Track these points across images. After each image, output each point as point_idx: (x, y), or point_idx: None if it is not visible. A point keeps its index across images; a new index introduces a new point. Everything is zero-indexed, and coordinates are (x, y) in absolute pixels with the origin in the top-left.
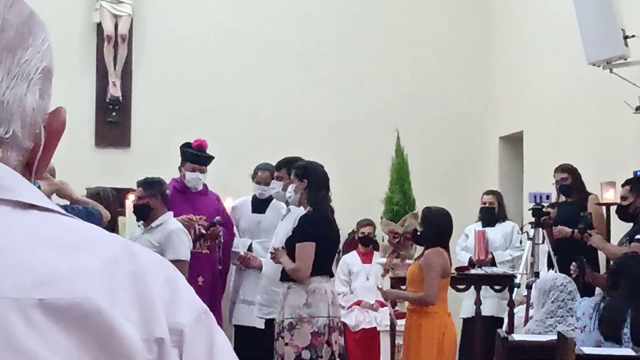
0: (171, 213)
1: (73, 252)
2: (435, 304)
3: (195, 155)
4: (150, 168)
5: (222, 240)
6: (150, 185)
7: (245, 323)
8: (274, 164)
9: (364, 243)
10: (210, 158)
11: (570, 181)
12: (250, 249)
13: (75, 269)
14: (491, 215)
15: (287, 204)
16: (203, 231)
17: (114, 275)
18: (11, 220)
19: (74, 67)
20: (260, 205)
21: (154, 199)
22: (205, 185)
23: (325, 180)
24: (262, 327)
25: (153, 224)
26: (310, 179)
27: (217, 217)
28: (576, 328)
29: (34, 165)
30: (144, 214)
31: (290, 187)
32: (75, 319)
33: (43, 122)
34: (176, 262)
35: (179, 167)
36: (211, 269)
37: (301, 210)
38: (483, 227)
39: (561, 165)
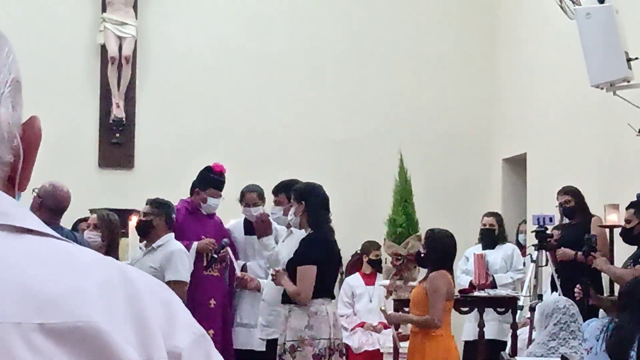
0: (172, 234)
1: (70, 275)
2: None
3: (219, 182)
4: (154, 189)
5: (230, 263)
6: (159, 204)
7: (244, 346)
8: (277, 182)
9: (374, 266)
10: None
11: (574, 203)
12: (244, 269)
13: (74, 291)
14: (491, 237)
15: (289, 226)
16: (215, 255)
17: (110, 298)
18: (7, 244)
19: (78, 88)
20: (252, 226)
21: (158, 218)
22: None
23: (325, 200)
24: (263, 349)
25: (154, 245)
26: (309, 200)
27: (225, 240)
28: (583, 350)
29: (16, 179)
30: (145, 231)
31: (291, 210)
32: (76, 342)
33: (19, 134)
34: (176, 283)
35: (196, 190)
36: (222, 292)
37: (303, 232)
38: (483, 249)
39: (564, 187)
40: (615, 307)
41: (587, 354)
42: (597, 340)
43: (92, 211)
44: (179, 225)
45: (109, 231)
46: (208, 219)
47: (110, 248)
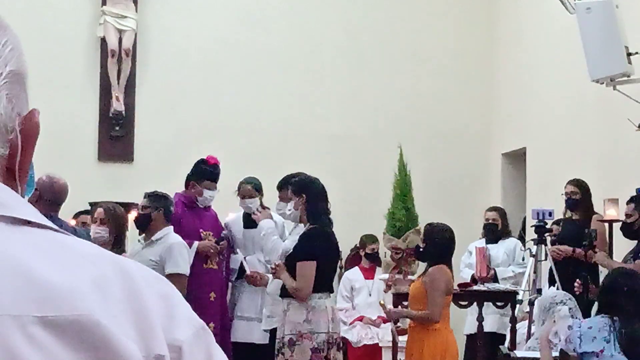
0: (171, 227)
1: (69, 268)
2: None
3: (214, 173)
4: (153, 182)
5: (226, 256)
6: (156, 198)
7: (244, 339)
8: (277, 177)
9: (372, 260)
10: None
11: (579, 197)
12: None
13: (73, 284)
14: (494, 231)
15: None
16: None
17: (109, 292)
18: (6, 236)
19: (78, 81)
20: (251, 220)
21: (156, 211)
22: None
23: (323, 193)
24: (264, 341)
25: (153, 238)
26: (308, 193)
27: (225, 232)
28: (592, 352)
29: (15, 171)
30: (144, 224)
31: (290, 205)
32: (75, 335)
33: (19, 126)
34: (176, 276)
35: (192, 183)
36: (221, 284)
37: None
38: (486, 243)
39: (575, 179)
40: (600, 303)
41: (597, 357)
42: (608, 342)
43: (97, 205)
44: (177, 218)
45: (115, 225)
46: (205, 212)
47: (117, 241)
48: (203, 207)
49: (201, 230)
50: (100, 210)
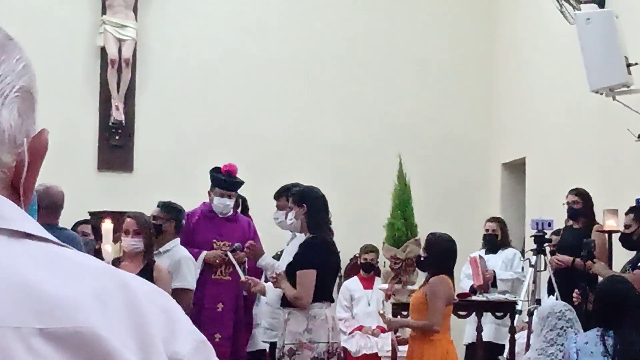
0: (178, 240)
1: (70, 281)
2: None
3: (223, 181)
4: (153, 192)
5: (247, 267)
6: (170, 209)
7: (251, 347)
8: (276, 186)
9: (366, 269)
10: (241, 183)
11: (580, 206)
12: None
13: (73, 297)
14: (494, 242)
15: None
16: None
17: (109, 305)
18: (7, 249)
19: (78, 90)
20: None
21: (168, 223)
22: (235, 211)
23: (324, 202)
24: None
25: (161, 249)
26: (309, 202)
27: (237, 244)
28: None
29: (20, 187)
30: (155, 233)
31: (290, 214)
32: (76, 347)
33: (27, 144)
34: (182, 291)
35: (208, 192)
36: (233, 296)
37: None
38: (486, 254)
39: (576, 188)
40: (594, 315)
41: None
42: (605, 357)
43: (125, 215)
44: (192, 228)
45: (148, 234)
46: (225, 222)
47: (148, 250)
48: (224, 216)
49: (214, 240)
50: (131, 221)
